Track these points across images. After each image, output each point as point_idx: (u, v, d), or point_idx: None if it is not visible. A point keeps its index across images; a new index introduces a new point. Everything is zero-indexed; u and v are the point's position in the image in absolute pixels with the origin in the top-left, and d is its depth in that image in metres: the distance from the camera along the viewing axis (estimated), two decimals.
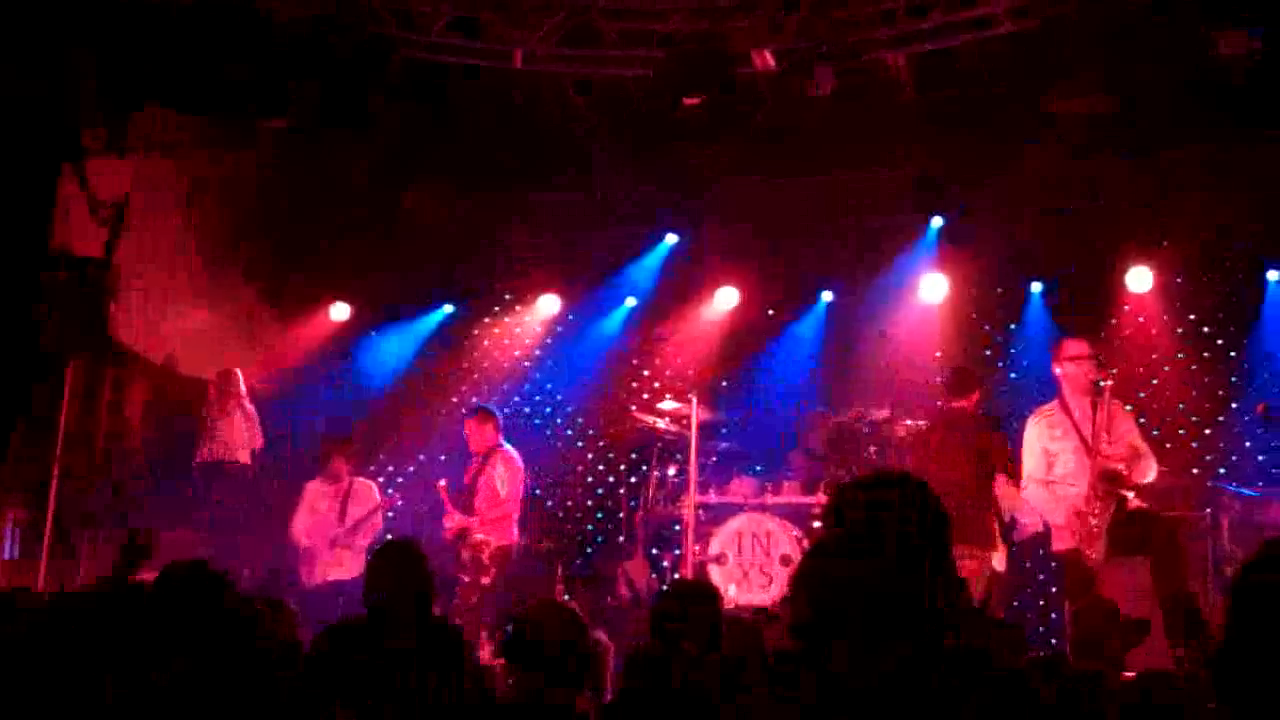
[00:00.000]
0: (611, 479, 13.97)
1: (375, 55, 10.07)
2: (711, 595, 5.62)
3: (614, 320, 13.99)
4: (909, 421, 11.68)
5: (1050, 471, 9.21)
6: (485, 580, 10.69)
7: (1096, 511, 8.72)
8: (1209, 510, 10.66)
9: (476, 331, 14.43)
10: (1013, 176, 11.90)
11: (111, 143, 10.54)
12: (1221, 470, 11.87)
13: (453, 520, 10.92)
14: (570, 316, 14.14)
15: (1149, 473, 9.07)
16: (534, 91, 11.49)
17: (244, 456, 12.12)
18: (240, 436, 12.11)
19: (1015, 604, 11.39)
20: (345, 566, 11.49)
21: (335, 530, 11.56)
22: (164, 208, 11.89)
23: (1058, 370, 9.38)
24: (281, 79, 9.89)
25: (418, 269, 13.79)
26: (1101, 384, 9.06)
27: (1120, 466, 8.80)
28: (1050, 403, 9.45)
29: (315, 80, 9.99)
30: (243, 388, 12.17)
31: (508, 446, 11.39)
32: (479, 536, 10.67)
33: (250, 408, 12.19)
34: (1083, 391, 9.13)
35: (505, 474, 11.14)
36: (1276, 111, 10.55)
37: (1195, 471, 11.63)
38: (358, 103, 10.43)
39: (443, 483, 11.19)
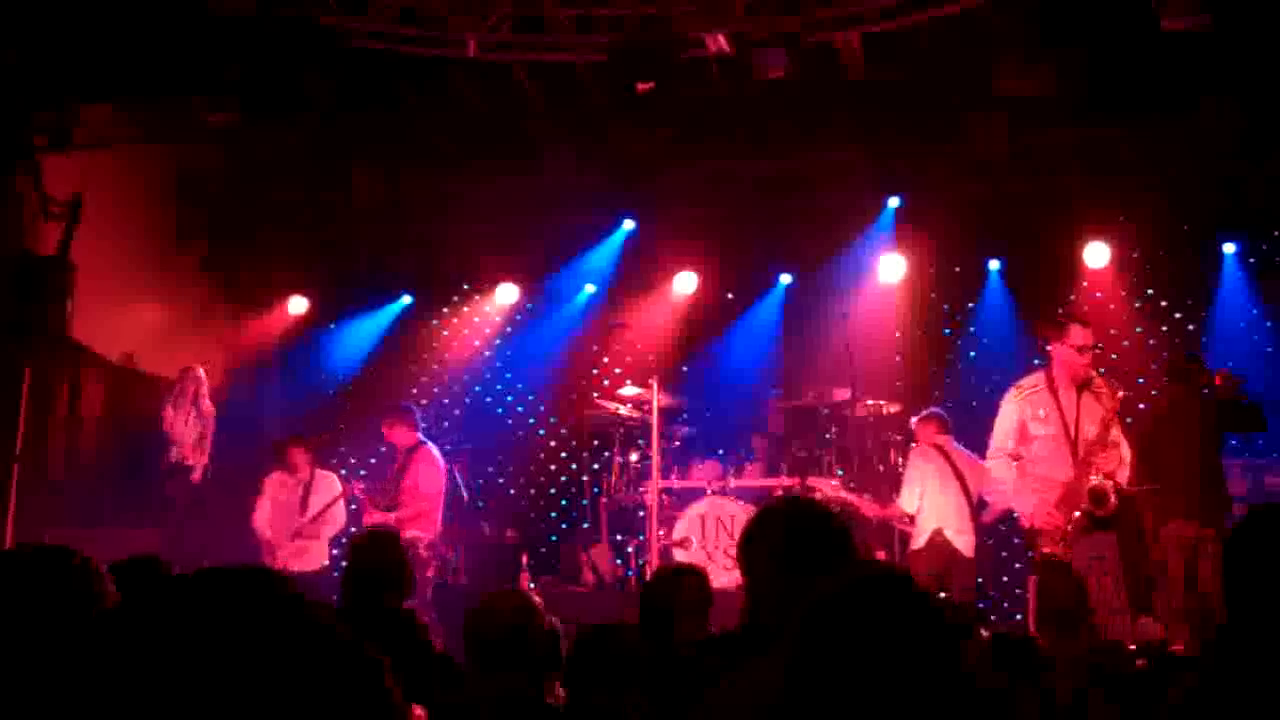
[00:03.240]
0: (574, 466, 13.95)
1: (318, 44, 9.99)
2: (703, 576, 5.66)
3: (573, 307, 13.98)
4: (869, 402, 11.70)
5: (1016, 458, 9.04)
6: (429, 574, 10.92)
7: (1074, 521, 8.51)
8: None
9: (435, 322, 14.41)
10: (968, 155, 11.94)
11: (61, 139, 10.45)
12: None
13: (373, 518, 11.08)
14: (529, 305, 14.13)
15: (1125, 470, 8.97)
16: (489, 82, 11.44)
17: (198, 454, 12.05)
18: (194, 433, 12.03)
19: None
20: (307, 558, 11.48)
21: (297, 522, 11.53)
22: (118, 204, 11.80)
23: (1052, 349, 9.05)
24: (227, 69, 9.82)
25: (375, 261, 13.76)
26: (1119, 394, 8.88)
27: (1109, 485, 8.56)
28: (1033, 376, 9.14)
29: (264, 71, 9.91)
30: (203, 385, 12.07)
31: (428, 444, 11.54)
32: (411, 533, 10.68)
33: (208, 405, 12.10)
34: (1073, 380, 8.91)
35: (425, 470, 11.25)
36: (1228, 85, 10.61)
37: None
38: (313, 96, 10.38)
39: (360, 486, 11.60)
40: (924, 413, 10.86)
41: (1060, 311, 10.03)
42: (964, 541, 10.06)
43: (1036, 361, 12.37)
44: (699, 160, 12.58)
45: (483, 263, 13.86)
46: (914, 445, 10.80)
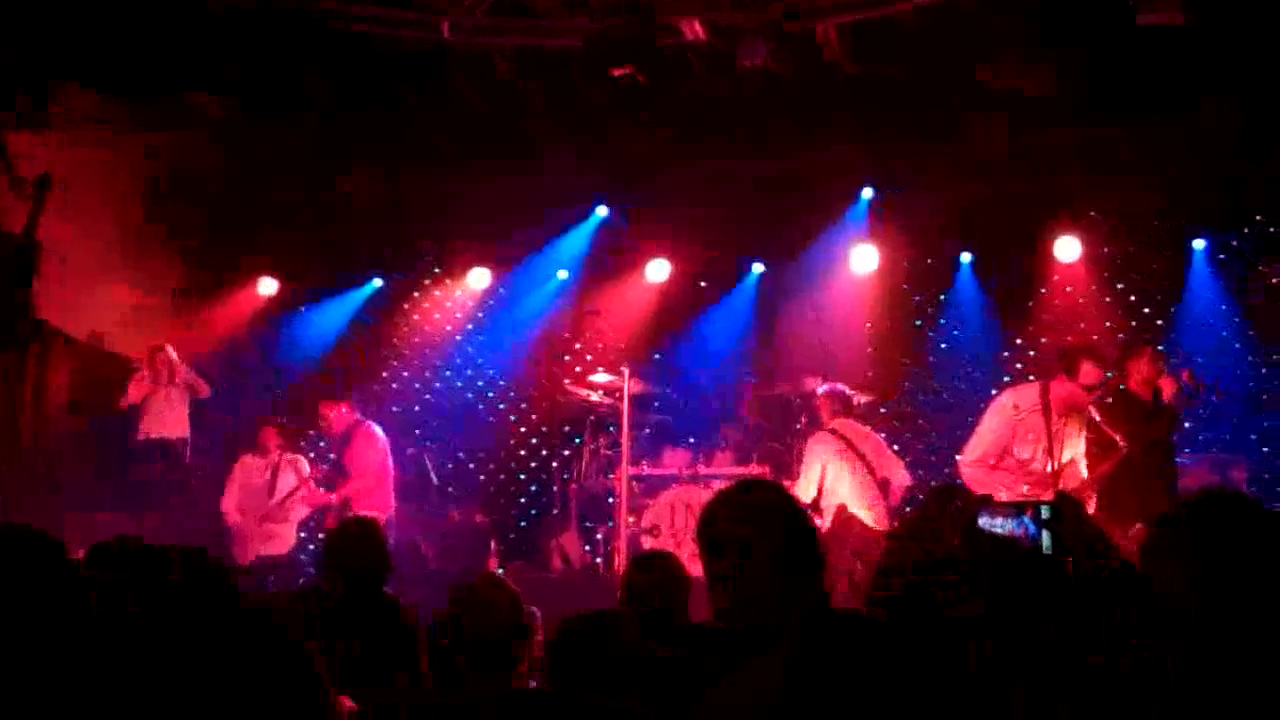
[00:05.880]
0: (544, 452, 13.95)
1: (306, 31, 9.94)
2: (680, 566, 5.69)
3: (545, 293, 13.91)
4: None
5: (999, 464, 8.98)
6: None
7: None
8: None
9: (406, 306, 14.33)
10: (942, 149, 11.96)
11: (32, 118, 10.37)
12: None
13: (315, 500, 11.17)
14: (501, 290, 14.05)
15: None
16: (466, 68, 11.37)
17: (182, 431, 12.01)
18: (178, 412, 11.99)
19: None
20: (276, 542, 11.46)
21: (266, 505, 11.50)
22: (89, 184, 11.71)
23: (1060, 382, 8.90)
24: (210, 57, 9.77)
25: (346, 243, 13.68)
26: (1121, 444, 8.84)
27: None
28: (1029, 394, 9.01)
29: (246, 59, 9.86)
30: (174, 360, 12.00)
31: (367, 421, 11.58)
32: (366, 512, 10.64)
33: (193, 379, 12.05)
34: (1068, 409, 8.86)
35: (366, 445, 11.27)
36: (1201, 83, 10.65)
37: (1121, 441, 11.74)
38: (289, 81, 10.33)
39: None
40: (822, 390, 10.71)
41: (1072, 346, 9.86)
42: (870, 515, 9.90)
43: (1010, 356, 12.57)
44: (676, 149, 12.53)
45: (455, 247, 13.80)
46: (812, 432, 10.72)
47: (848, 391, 10.62)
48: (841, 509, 9.85)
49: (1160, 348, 10.88)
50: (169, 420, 11.92)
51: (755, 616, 3.08)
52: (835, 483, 9.98)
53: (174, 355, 11.99)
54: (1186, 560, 2.83)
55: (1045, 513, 3.35)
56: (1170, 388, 9.17)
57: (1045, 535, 3.32)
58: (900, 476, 10.21)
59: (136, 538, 4.99)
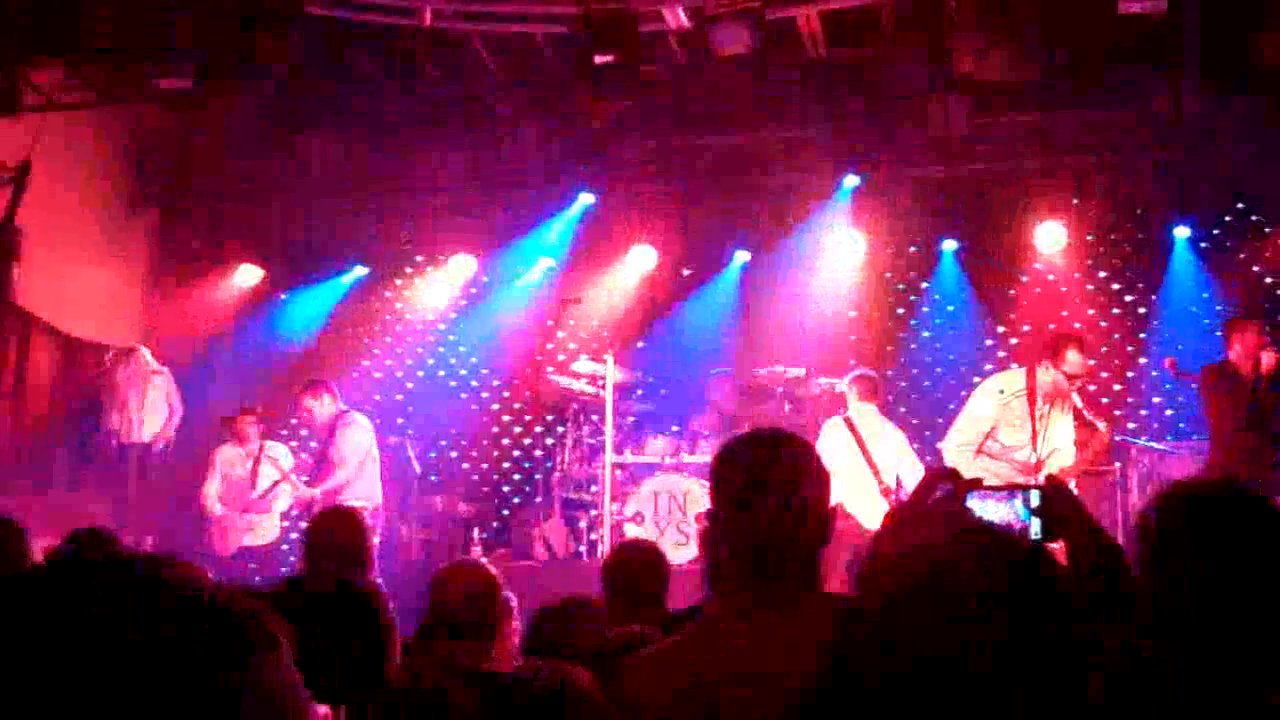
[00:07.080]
0: (528, 441, 13.94)
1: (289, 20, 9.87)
2: (661, 555, 5.71)
3: (528, 281, 13.84)
4: (823, 380, 11.70)
5: (978, 453, 8.96)
6: (375, 541, 10.85)
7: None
8: (1118, 465, 10.81)
9: (389, 294, 14.29)
10: (924, 135, 11.94)
11: (5, 101, 10.28)
12: (1131, 425, 12.03)
13: (298, 493, 11.03)
14: (484, 277, 13.99)
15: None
16: (445, 51, 11.34)
17: (161, 428, 11.96)
18: (156, 410, 11.94)
19: None
20: (259, 532, 11.41)
21: (247, 496, 11.44)
22: (67, 168, 11.66)
23: (1045, 368, 8.93)
24: (180, 34, 9.70)
25: (329, 231, 13.63)
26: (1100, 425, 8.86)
27: None
28: (1014, 378, 9.06)
29: (219, 37, 9.79)
30: (150, 362, 11.95)
31: (351, 412, 11.37)
32: (354, 502, 10.57)
33: (165, 383, 11.99)
34: (1052, 400, 8.85)
35: (352, 434, 11.14)
36: (1182, 70, 10.66)
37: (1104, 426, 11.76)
38: (267, 63, 10.28)
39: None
40: (853, 374, 10.67)
41: (1058, 333, 9.82)
42: (866, 517, 9.79)
43: (997, 350, 12.58)
44: (657, 135, 12.53)
45: (438, 235, 13.75)
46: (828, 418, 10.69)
47: (876, 378, 10.56)
48: (838, 508, 9.69)
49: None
50: (144, 422, 11.86)
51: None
52: (833, 478, 9.77)
53: (148, 361, 11.92)
54: (1186, 560, 2.81)
55: (1035, 498, 3.32)
56: (1272, 360, 9.07)
57: (1035, 521, 3.30)
58: (915, 477, 10.02)
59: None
